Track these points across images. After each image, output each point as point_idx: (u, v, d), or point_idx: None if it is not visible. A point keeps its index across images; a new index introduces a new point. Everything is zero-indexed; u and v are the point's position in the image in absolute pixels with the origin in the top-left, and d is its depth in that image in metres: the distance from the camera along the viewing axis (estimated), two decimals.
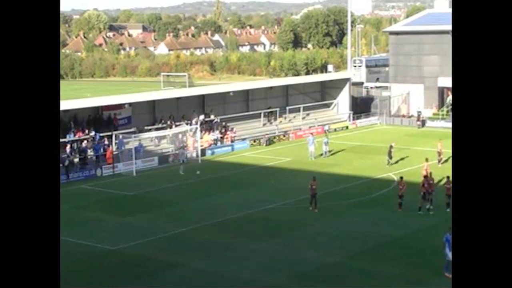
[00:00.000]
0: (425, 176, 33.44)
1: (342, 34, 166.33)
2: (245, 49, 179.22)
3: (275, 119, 57.83)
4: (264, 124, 56.59)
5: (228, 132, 52.23)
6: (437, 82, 61.18)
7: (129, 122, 48.92)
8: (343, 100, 63.16)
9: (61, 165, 40.93)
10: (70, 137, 44.01)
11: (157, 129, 49.16)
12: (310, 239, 28.29)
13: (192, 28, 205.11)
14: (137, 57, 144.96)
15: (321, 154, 46.38)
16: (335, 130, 58.39)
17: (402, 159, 44.25)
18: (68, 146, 42.88)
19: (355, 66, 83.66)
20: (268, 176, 41.40)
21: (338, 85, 63.38)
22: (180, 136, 48.26)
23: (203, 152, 47.37)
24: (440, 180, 35.33)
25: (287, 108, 58.82)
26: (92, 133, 45.37)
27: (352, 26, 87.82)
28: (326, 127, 57.66)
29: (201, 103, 54.37)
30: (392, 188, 36.38)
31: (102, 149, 44.37)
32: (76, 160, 42.93)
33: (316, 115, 61.21)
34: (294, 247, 27.10)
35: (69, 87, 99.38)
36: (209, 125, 51.87)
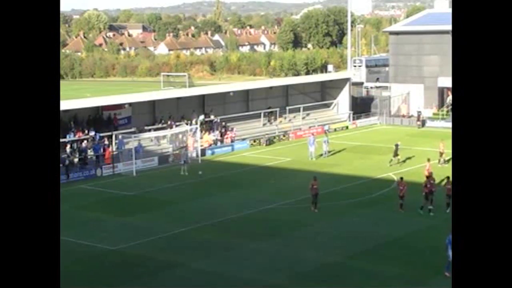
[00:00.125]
0: (428, 176, 33.44)
1: (342, 34, 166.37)
2: (245, 49, 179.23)
3: (275, 119, 57.83)
4: (264, 124, 56.59)
5: (228, 132, 52.24)
6: (437, 82, 61.19)
7: (129, 122, 48.93)
8: (343, 100, 63.16)
9: (61, 165, 40.95)
10: (70, 137, 44.01)
11: (157, 129, 49.16)
12: (310, 239, 28.29)
13: (192, 28, 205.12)
14: (137, 57, 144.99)
15: (321, 155, 46.37)
16: (335, 130, 58.39)
17: (404, 160, 44.18)
18: (68, 146, 42.87)
19: (355, 66, 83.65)
20: (268, 176, 41.40)
21: (338, 85, 63.38)
22: (180, 136, 48.26)
23: (203, 152, 47.37)
24: (442, 181, 35.30)
25: (287, 108, 58.82)
26: (92, 133, 45.37)
27: (352, 26, 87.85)
28: (326, 127, 57.66)
29: (201, 103, 54.37)
30: (392, 188, 36.37)
31: (102, 149, 44.37)
32: (76, 160, 42.91)
33: (316, 115, 61.21)
34: (294, 247, 27.10)
35: (69, 87, 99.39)
36: (209, 125, 51.87)
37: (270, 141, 52.75)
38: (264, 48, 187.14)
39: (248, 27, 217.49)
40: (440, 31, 59.11)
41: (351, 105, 63.24)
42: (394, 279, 23.41)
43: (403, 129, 58.88)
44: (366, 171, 41.42)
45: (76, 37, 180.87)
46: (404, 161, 43.36)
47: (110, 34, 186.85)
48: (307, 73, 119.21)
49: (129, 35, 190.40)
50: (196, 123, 48.67)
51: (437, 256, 24.92)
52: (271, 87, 60.11)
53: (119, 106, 48.59)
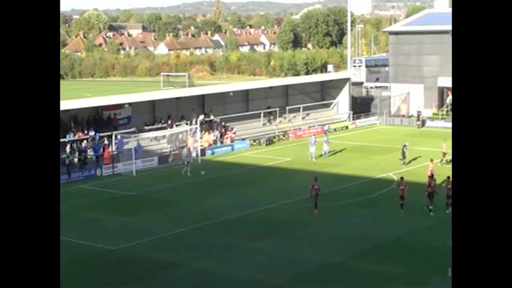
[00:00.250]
0: (431, 176, 33.40)
1: (342, 34, 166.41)
2: (245, 49, 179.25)
3: (275, 119, 57.82)
4: (264, 124, 56.58)
5: (228, 132, 52.24)
6: (437, 82, 61.18)
7: (129, 122, 48.91)
8: (343, 100, 63.16)
9: (61, 165, 40.96)
10: (70, 137, 43.99)
11: (157, 129, 49.14)
12: (310, 239, 28.29)
13: (192, 28, 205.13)
14: (137, 57, 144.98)
15: (321, 155, 46.33)
16: (335, 130, 58.39)
17: (410, 161, 44.18)
18: (68, 146, 42.86)
19: (355, 66, 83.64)
20: (268, 176, 41.40)
21: (338, 85, 63.38)
22: (180, 136, 48.28)
23: (203, 152, 47.37)
24: (444, 181, 35.29)
25: (287, 108, 58.81)
26: (92, 133, 45.36)
27: (352, 26, 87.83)
28: (326, 127, 57.65)
29: (201, 103, 54.37)
30: (392, 188, 36.37)
31: (102, 149, 44.36)
32: (76, 160, 42.89)
33: (316, 115, 61.20)
34: (294, 247, 27.09)
35: (69, 87, 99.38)
36: (209, 125, 51.87)
37: (270, 141, 52.75)
38: (264, 48, 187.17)
39: (248, 27, 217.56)
40: (440, 31, 59.11)
41: (351, 105, 63.24)
42: (394, 279, 23.40)
43: (403, 129, 58.88)
44: (366, 171, 41.42)
45: (76, 37, 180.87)
46: (409, 162, 43.17)
47: (110, 34, 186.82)
48: (307, 73, 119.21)
49: (129, 35, 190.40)
50: (196, 123, 48.66)
51: (437, 256, 24.93)
52: (271, 87, 60.11)
53: (119, 106, 48.58)
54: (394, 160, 44.55)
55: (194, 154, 46.18)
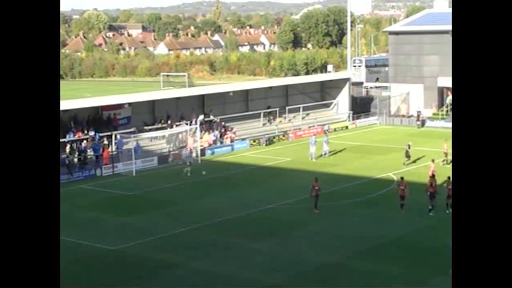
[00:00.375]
0: (432, 176, 33.36)
1: (342, 34, 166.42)
2: (245, 49, 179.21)
3: (274, 119, 57.81)
4: (264, 124, 56.58)
5: (228, 132, 52.24)
6: (436, 82, 61.18)
7: (128, 122, 48.92)
8: (342, 100, 63.17)
9: (61, 165, 40.98)
10: (69, 137, 44.00)
11: (156, 129, 49.14)
12: (310, 239, 28.29)
13: (192, 28, 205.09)
14: (136, 57, 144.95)
15: (321, 155, 46.31)
16: (334, 130, 58.39)
17: (415, 161, 44.18)
18: (68, 146, 42.87)
19: (354, 66, 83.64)
20: (268, 176, 41.40)
21: (337, 85, 63.39)
22: (180, 136, 48.29)
23: (203, 152, 47.37)
24: (444, 181, 35.30)
25: (287, 108, 58.81)
26: (92, 133, 45.36)
27: (352, 26, 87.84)
28: (325, 127, 57.64)
29: (201, 103, 54.37)
30: (391, 188, 36.38)
31: (101, 149, 44.36)
32: (76, 160, 42.90)
33: (316, 115, 61.20)
34: (294, 247, 27.10)
35: (68, 87, 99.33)
36: (208, 125, 51.87)
37: (269, 141, 52.75)
38: (264, 48, 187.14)
39: (247, 27, 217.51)
40: (439, 31, 59.11)
41: (351, 105, 63.26)
42: (394, 279, 23.41)
43: (402, 129, 58.89)
44: (366, 171, 41.42)
45: (75, 37, 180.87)
46: (413, 162, 43.07)
47: (110, 34, 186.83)
48: (307, 73, 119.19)
49: (129, 35, 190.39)
50: (196, 123, 48.67)
51: (437, 256, 24.94)
52: (270, 87, 60.11)
53: (119, 106, 48.59)
54: (394, 160, 44.58)
55: (194, 154, 46.18)
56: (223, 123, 53.22)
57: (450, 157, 41.18)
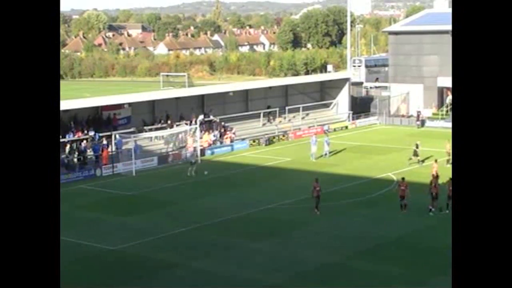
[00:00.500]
0: (437, 177, 33.27)
1: (341, 34, 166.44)
2: (245, 49, 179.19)
3: (274, 118, 57.79)
4: (263, 124, 56.58)
5: (228, 132, 52.23)
6: (436, 82, 61.19)
7: (128, 122, 48.92)
8: (342, 100, 63.17)
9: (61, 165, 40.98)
10: (69, 137, 43.99)
11: (156, 129, 49.13)
12: (310, 239, 28.29)
13: (192, 28, 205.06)
14: (136, 57, 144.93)
15: (321, 156, 46.24)
16: (334, 130, 58.38)
17: (423, 160, 44.20)
18: (68, 146, 42.88)
19: (354, 66, 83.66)
20: (268, 176, 41.39)
21: (337, 85, 63.39)
22: (180, 136, 48.28)
23: (202, 152, 47.37)
24: (446, 182, 35.25)
25: (287, 108, 58.81)
26: (92, 133, 45.36)
27: (351, 26, 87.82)
28: (326, 127, 57.64)
29: (201, 103, 54.37)
30: (391, 188, 36.38)
31: (101, 149, 44.36)
32: (75, 160, 42.90)
33: (316, 115, 61.20)
34: (294, 247, 27.10)
35: (68, 87, 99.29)
36: (208, 125, 51.87)
37: (269, 141, 52.74)
38: (264, 48, 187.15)
39: (247, 27, 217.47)
40: (439, 31, 59.12)
41: (351, 105, 63.26)
42: (394, 279, 23.41)
43: (402, 129, 58.89)
44: (366, 171, 41.42)
45: (75, 37, 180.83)
46: (423, 161, 42.84)
47: (110, 34, 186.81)
48: (307, 73, 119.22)
49: (129, 35, 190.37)
50: (196, 123, 48.66)
51: (437, 256, 24.95)
52: (270, 87, 60.11)
53: (119, 106, 48.58)
54: (394, 160, 44.59)
55: (189, 155, 46.19)
56: (223, 123, 53.22)
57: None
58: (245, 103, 58.08)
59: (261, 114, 56.70)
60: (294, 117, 59.01)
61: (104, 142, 44.96)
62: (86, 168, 42.23)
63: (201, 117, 51.31)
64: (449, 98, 58.72)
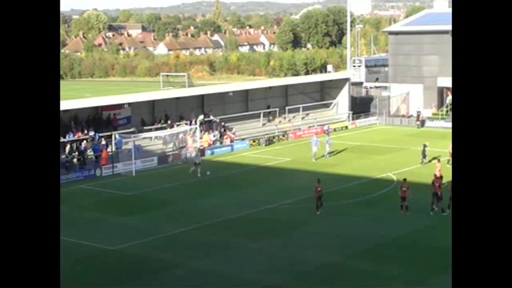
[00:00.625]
0: (441, 177, 33.18)
1: (341, 34, 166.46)
2: (245, 49, 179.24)
3: (273, 118, 57.76)
4: (263, 124, 56.58)
5: (227, 132, 52.22)
6: (436, 82, 61.20)
7: (128, 122, 48.92)
8: (342, 100, 63.17)
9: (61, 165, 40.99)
10: (69, 137, 43.99)
11: (156, 129, 49.12)
12: (310, 239, 28.28)
13: (192, 28, 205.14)
14: (136, 57, 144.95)
15: (322, 156, 46.13)
16: (334, 130, 58.35)
17: (430, 160, 44.19)
18: (68, 146, 42.87)
19: (354, 66, 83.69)
20: (267, 176, 41.39)
21: (337, 85, 63.40)
22: (180, 136, 48.28)
23: (202, 152, 47.37)
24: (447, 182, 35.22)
25: (287, 108, 58.81)
26: (92, 133, 45.36)
27: (351, 26, 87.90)
28: (326, 127, 57.62)
29: (201, 103, 54.37)
30: (391, 188, 36.38)
31: (100, 150, 44.36)
32: (75, 160, 42.90)
33: (316, 115, 61.21)
34: (294, 247, 27.09)
35: (68, 87, 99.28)
36: (208, 125, 51.87)
37: (269, 141, 52.73)
38: (264, 48, 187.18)
39: (247, 27, 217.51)
40: (439, 31, 59.12)
41: (351, 105, 63.26)
42: (394, 279, 23.41)
43: (402, 129, 58.90)
44: (366, 171, 41.42)
45: (75, 37, 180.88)
46: (429, 161, 42.73)
47: (110, 34, 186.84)
48: (307, 73, 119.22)
49: (129, 35, 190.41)
50: (196, 123, 48.65)
51: (437, 256, 24.95)
52: (270, 87, 60.12)
53: (119, 106, 48.58)
54: (394, 160, 44.58)
55: (193, 154, 46.21)
56: (223, 123, 53.22)
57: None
58: (245, 103, 58.09)
59: (261, 114, 56.70)
60: (294, 117, 59.02)
61: (103, 142, 44.93)
62: (86, 168, 42.22)
63: (201, 117, 51.30)
64: (449, 98, 58.72)
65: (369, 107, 65.19)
